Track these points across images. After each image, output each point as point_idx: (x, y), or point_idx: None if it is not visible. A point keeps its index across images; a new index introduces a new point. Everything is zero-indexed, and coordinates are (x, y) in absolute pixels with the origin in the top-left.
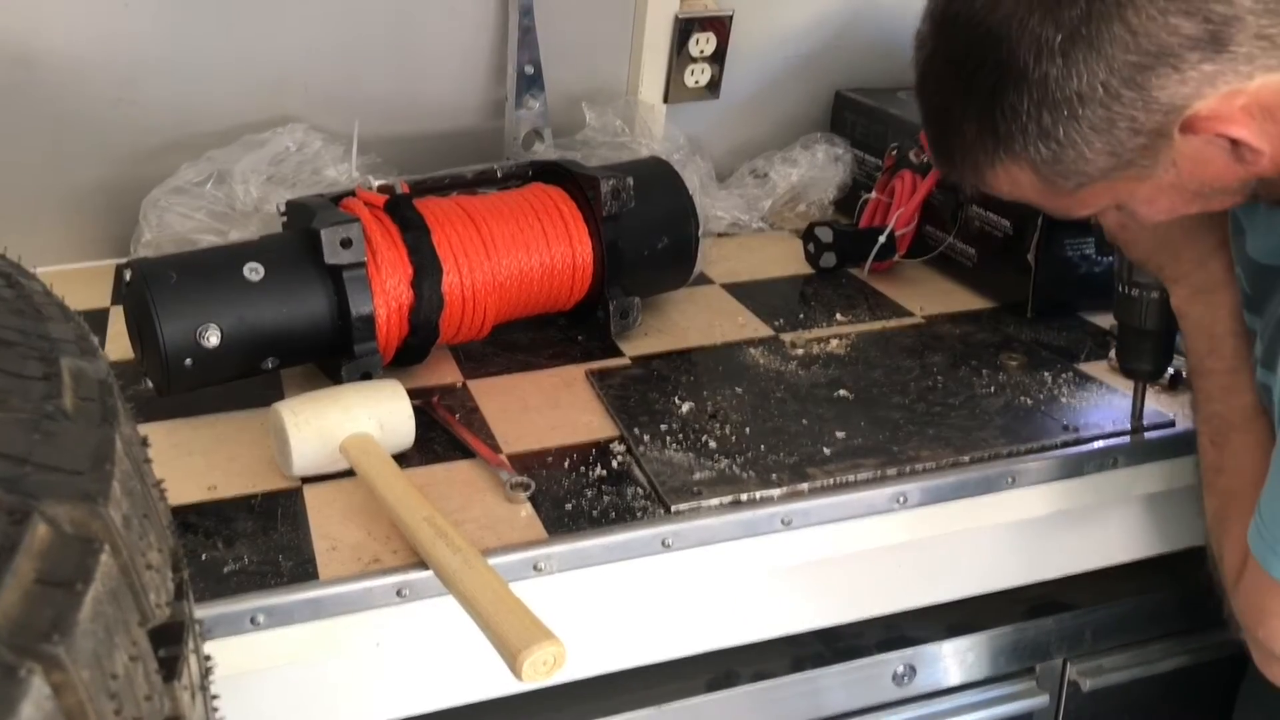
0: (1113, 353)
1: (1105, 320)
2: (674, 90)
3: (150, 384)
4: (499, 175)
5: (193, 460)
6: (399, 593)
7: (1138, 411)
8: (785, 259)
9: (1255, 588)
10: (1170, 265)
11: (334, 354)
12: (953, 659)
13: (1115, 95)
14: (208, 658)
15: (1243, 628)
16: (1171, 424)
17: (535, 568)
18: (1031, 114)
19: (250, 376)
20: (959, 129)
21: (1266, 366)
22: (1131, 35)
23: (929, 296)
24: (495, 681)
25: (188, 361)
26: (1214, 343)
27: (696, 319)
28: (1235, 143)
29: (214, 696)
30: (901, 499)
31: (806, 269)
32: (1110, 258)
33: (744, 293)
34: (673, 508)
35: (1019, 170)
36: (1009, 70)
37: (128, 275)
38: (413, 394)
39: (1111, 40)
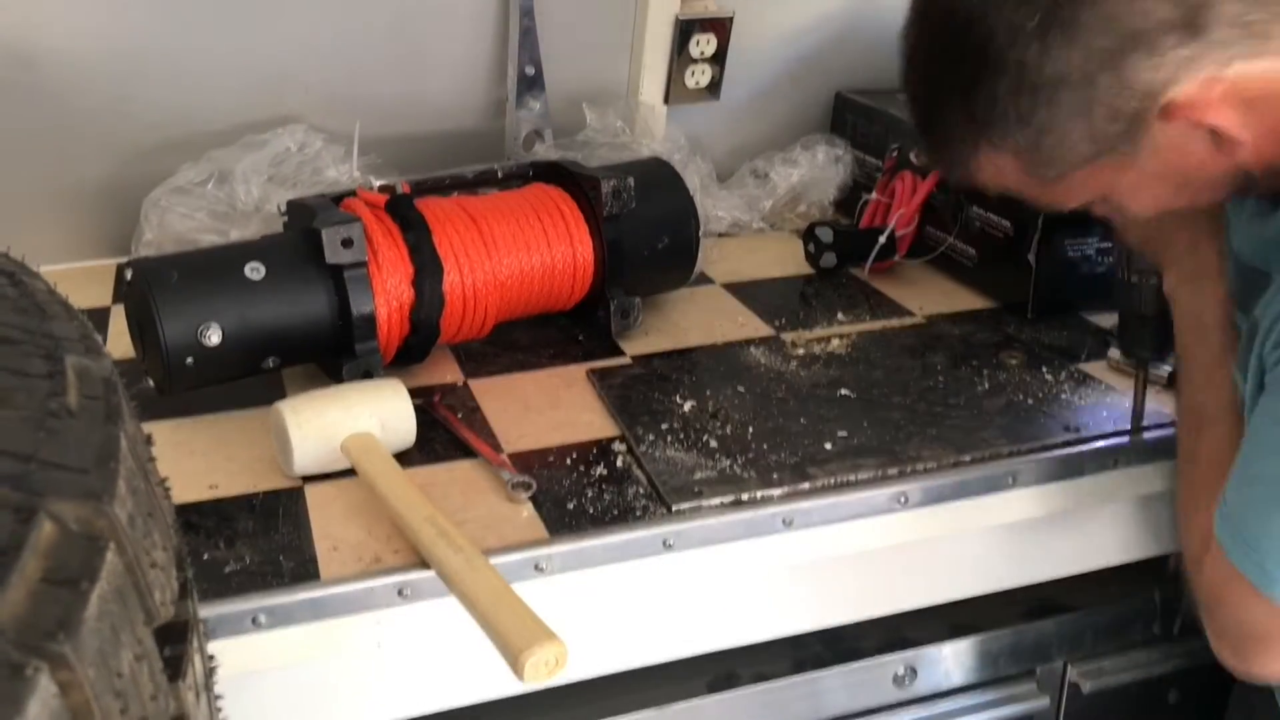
0: (1113, 350)
1: (1106, 320)
2: (674, 91)
3: (151, 383)
4: (500, 175)
5: (194, 459)
6: (400, 593)
7: (1138, 412)
8: (786, 259)
9: (1215, 572)
10: (1164, 249)
11: (335, 353)
12: (953, 661)
13: (1091, 80)
14: (211, 657)
15: (1200, 607)
16: (1172, 424)
17: (536, 568)
18: (1009, 99)
19: (251, 376)
20: (942, 118)
21: (1239, 367)
22: (1106, 19)
23: (929, 296)
24: (497, 682)
25: (189, 360)
26: (1202, 332)
27: (697, 319)
28: (1215, 131)
29: (218, 696)
30: (902, 499)
31: (807, 269)
32: (1110, 256)
33: (745, 293)
34: (674, 507)
35: (1001, 159)
36: (986, 56)
37: (129, 274)
38: (414, 393)
39: (1087, 24)
